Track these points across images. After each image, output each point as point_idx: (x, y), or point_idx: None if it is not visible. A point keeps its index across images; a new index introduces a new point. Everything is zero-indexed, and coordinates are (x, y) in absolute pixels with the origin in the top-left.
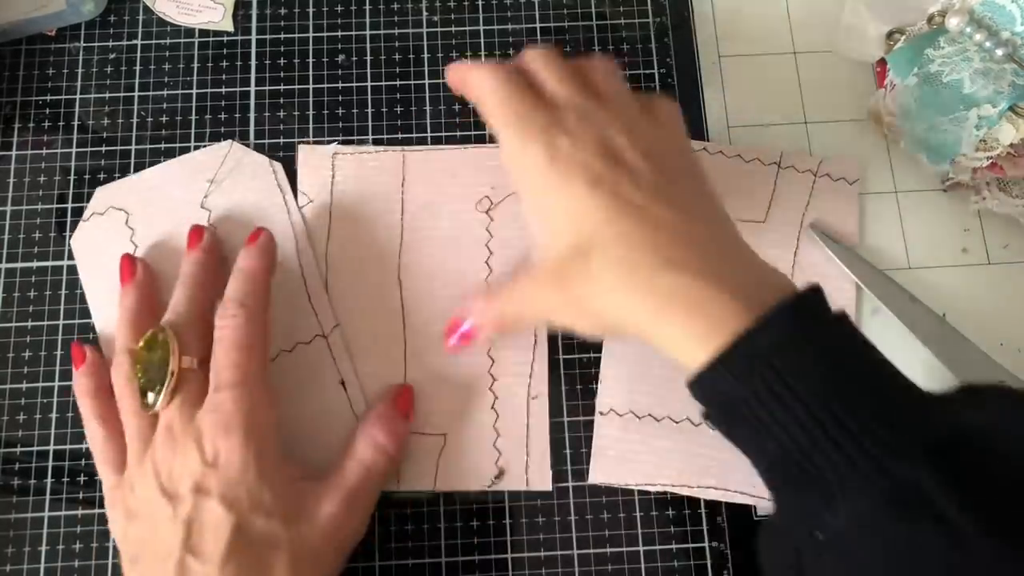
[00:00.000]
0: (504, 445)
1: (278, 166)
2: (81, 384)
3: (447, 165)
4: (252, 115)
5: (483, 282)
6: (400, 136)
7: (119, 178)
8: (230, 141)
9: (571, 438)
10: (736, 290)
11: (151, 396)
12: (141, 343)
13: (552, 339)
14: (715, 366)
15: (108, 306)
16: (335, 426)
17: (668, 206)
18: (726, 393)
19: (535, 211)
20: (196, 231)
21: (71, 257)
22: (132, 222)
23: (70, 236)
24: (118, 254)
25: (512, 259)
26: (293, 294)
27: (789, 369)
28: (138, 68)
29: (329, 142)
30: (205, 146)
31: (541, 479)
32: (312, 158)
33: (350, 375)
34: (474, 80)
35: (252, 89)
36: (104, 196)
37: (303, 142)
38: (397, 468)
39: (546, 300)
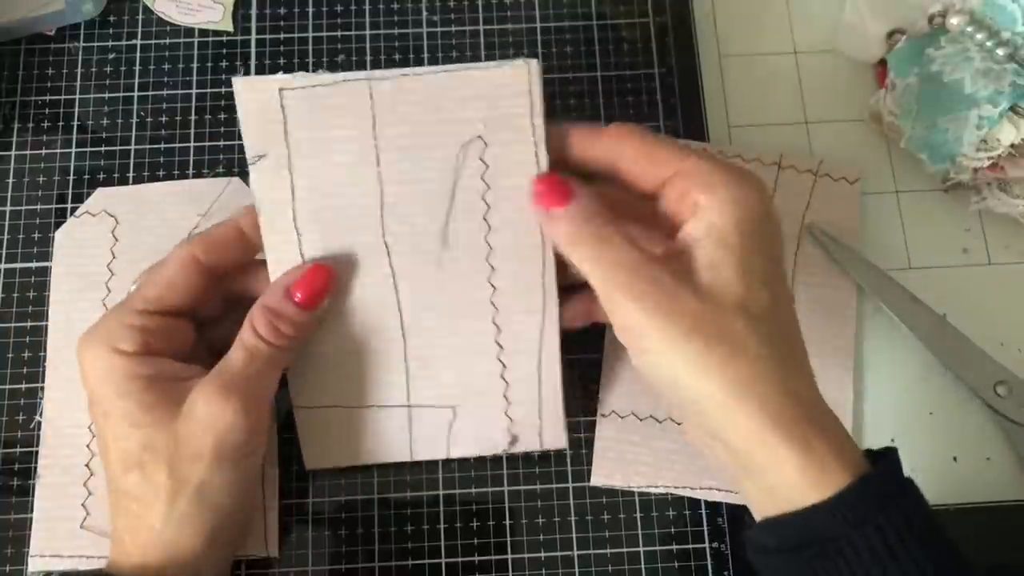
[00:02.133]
0: (516, 412)
1: None
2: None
3: (425, 97)
4: None
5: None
6: None
7: (119, 178)
8: (238, 178)
9: (572, 439)
10: (843, 440)
11: None
12: None
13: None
14: (838, 501)
15: (69, 307)
16: None
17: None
18: (821, 533)
19: (731, 246)
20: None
21: None
22: (119, 232)
23: None
24: (96, 259)
25: (513, 220)
26: None
27: (897, 521)
28: (138, 68)
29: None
30: (204, 145)
31: (555, 438)
32: (255, 98)
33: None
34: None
35: None
36: (102, 197)
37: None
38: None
39: (640, 290)
